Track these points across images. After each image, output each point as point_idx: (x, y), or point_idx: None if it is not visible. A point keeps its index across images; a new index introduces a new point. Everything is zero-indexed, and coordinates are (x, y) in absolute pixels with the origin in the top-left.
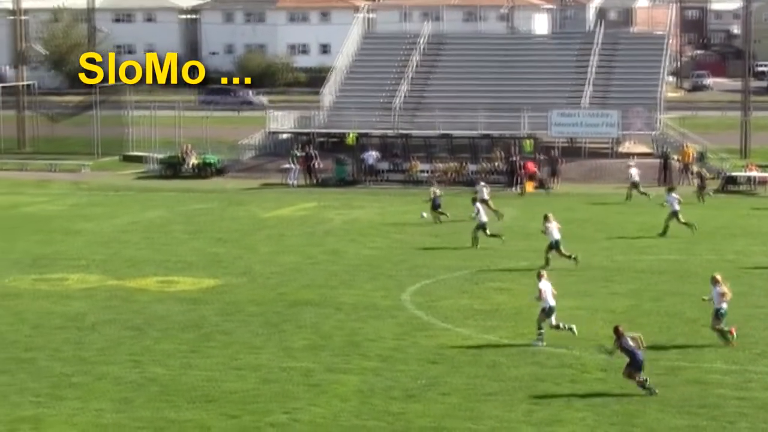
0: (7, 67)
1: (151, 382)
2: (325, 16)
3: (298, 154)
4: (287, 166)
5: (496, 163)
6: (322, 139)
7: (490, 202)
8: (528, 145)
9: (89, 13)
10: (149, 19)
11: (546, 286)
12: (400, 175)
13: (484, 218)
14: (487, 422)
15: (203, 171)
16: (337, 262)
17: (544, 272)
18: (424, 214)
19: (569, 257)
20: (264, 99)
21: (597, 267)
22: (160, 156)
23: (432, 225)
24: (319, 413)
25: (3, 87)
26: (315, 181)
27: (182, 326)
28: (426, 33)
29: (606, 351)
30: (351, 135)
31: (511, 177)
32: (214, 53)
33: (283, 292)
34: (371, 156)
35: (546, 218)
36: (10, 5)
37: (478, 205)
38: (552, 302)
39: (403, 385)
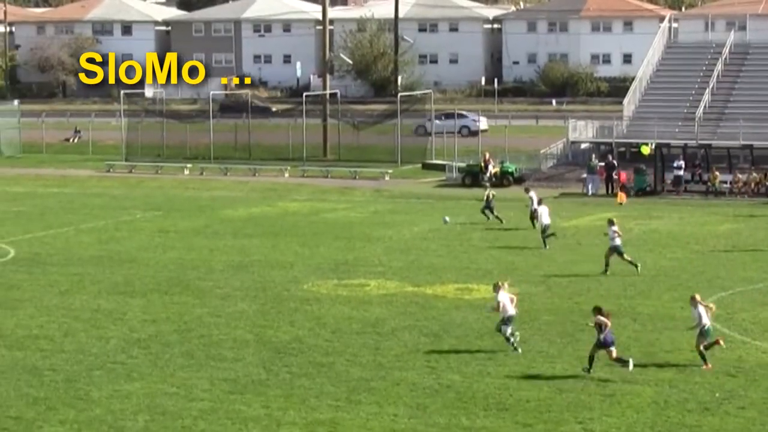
0: (314, 76)
1: (446, 389)
2: (628, 25)
3: (598, 163)
4: (586, 175)
5: None
6: (622, 149)
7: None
8: None
9: (395, 23)
10: (453, 29)
11: (504, 297)
12: (700, 186)
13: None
14: None
15: (502, 180)
16: (634, 272)
17: (503, 283)
18: (447, 219)
19: (630, 263)
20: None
21: None
22: (461, 164)
23: (731, 236)
24: (612, 423)
25: (309, 95)
26: (615, 192)
27: (478, 334)
28: (730, 43)
29: (588, 326)
30: (645, 146)
31: None
32: (515, 62)
33: (578, 302)
34: (678, 166)
35: (611, 222)
36: (318, 15)
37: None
38: (512, 311)
39: (698, 397)
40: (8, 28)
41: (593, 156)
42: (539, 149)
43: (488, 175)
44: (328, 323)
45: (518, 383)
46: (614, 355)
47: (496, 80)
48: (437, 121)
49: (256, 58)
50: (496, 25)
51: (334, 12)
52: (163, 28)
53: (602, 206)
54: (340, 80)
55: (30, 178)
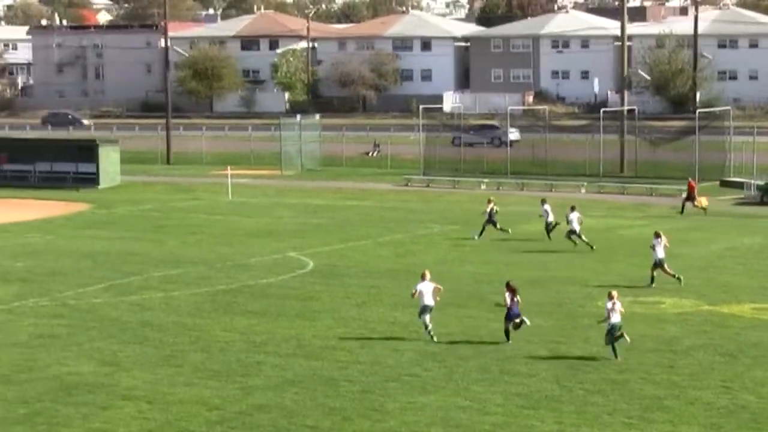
0: (611, 92)
1: (741, 409)
2: None
3: None
4: None
5: None
6: None
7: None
8: None
9: (694, 39)
10: (753, 45)
11: (426, 287)
12: None
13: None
14: None
15: None
16: None
17: (427, 272)
18: (476, 237)
19: (673, 276)
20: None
21: None
22: (759, 182)
23: None
24: None
25: (606, 111)
26: None
27: None
28: None
29: (499, 305)
30: None
31: None
32: None
33: None
34: None
35: (656, 235)
36: (616, 32)
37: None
38: (429, 302)
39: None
40: (311, 44)
41: None
42: None
43: None
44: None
45: None
46: (527, 322)
47: None
48: (472, 133)
49: (554, 73)
50: None
51: (632, 28)
52: (462, 43)
53: None
54: (637, 96)
55: (330, 191)
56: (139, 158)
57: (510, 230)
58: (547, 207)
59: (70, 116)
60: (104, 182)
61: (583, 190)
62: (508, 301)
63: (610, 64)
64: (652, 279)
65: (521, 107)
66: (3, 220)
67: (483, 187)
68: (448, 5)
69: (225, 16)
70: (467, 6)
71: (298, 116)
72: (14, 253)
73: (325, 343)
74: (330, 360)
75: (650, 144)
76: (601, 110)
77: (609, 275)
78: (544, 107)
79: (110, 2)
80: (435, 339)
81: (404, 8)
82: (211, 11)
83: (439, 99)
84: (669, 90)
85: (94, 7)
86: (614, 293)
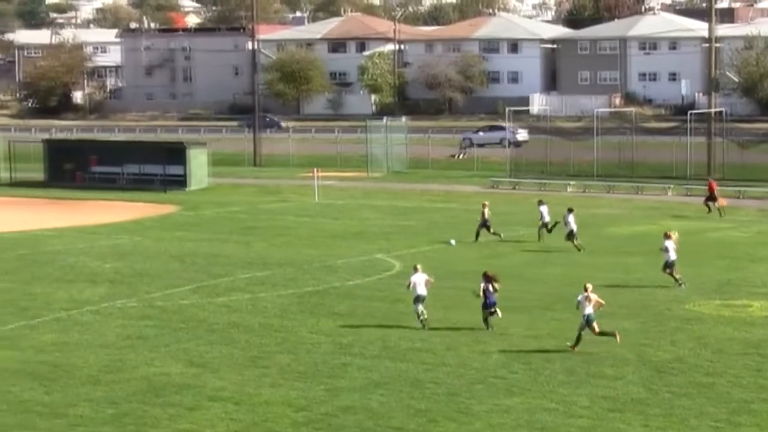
0: (700, 94)
1: None
2: None
3: None
4: None
5: None
6: None
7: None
8: None
9: None
10: None
11: (419, 278)
12: None
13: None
14: None
15: None
16: None
17: (418, 265)
18: (452, 242)
19: (677, 280)
20: None
21: None
22: None
23: None
24: None
25: (694, 113)
26: None
27: None
28: None
29: (475, 293)
30: None
31: None
32: None
33: None
34: None
35: (666, 236)
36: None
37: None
38: (421, 291)
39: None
40: (398, 46)
41: None
42: None
43: None
44: (710, 343)
45: None
46: (499, 314)
47: None
48: (481, 133)
49: (642, 75)
50: None
51: (721, 29)
52: (550, 45)
53: None
54: (726, 98)
55: (416, 193)
56: (226, 160)
57: (502, 235)
58: (543, 208)
59: (267, 118)
60: (192, 184)
61: (669, 193)
62: (483, 289)
63: (698, 65)
64: (677, 280)
65: (608, 109)
66: (92, 222)
67: (570, 189)
68: (535, 7)
69: (313, 19)
70: (555, 8)
71: (385, 118)
72: (103, 254)
73: (411, 345)
74: (416, 362)
75: (738, 146)
76: (689, 112)
77: (697, 278)
78: (631, 109)
79: (199, 5)
80: (427, 327)
81: (491, 10)
82: (298, 14)
83: (526, 101)
84: (757, 92)
85: (183, 10)
86: (589, 285)
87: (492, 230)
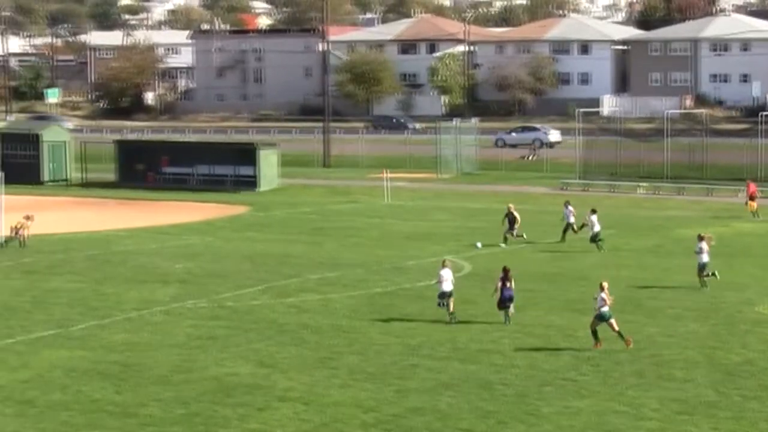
0: None
1: None
2: None
3: None
4: None
5: None
6: None
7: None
8: None
9: None
10: None
11: (447, 274)
12: None
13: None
14: None
15: None
16: None
17: (447, 260)
18: (479, 245)
19: (704, 282)
20: None
21: None
22: None
23: None
24: None
25: (766, 115)
26: None
27: None
28: None
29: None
30: None
31: None
32: None
33: None
34: None
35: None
36: None
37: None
38: (447, 288)
39: None
40: (469, 48)
41: None
42: None
43: None
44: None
45: None
46: (512, 310)
47: None
48: (513, 134)
49: (713, 77)
50: None
51: None
52: (621, 47)
53: None
54: None
55: (486, 195)
56: (297, 161)
57: (525, 235)
58: (569, 209)
59: (394, 120)
60: (263, 185)
61: (740, 195)
62: (499, 284)
63: None
64: (704, 283)
65: (679, 111)
66: (163, 222)
67: (640, 191)
68: (606, 8)
69: (383, 20)
70: (625, 9)
71: (456, 120)
72: (173, 254)
73: (480, 346)
74: (485, 363)
75: None
76: (761, 114)
77: (767, 281)
78: (702, 111)
79: (270, 6)
80: (454, 321)
81: (562, 12)
82: (369, 15)
83: (596, 102)
84: None
85: (254, 11)
86: (605, 284)
87: (516, 233)
